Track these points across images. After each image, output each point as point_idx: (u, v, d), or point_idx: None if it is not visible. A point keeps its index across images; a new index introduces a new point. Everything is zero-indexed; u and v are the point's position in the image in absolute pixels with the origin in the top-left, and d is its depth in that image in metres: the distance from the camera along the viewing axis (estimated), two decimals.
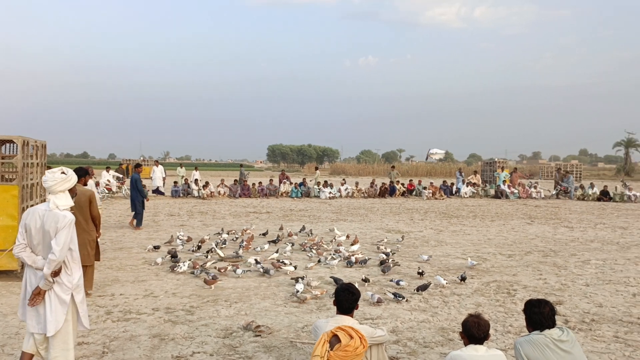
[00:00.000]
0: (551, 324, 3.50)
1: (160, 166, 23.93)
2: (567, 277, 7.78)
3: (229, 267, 7.90)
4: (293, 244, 10.10)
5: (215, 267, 8.03)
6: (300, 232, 11.88)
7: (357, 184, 25.74)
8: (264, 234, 11.54)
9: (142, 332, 5.17)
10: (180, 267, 7.83)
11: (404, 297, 6.36)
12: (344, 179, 29.24)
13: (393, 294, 6.41)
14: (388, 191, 24.32)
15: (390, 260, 8.52)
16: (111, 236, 11.37)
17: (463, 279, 7.27)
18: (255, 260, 8.17)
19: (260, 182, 24.31)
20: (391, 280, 7.15)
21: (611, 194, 23.75)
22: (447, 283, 7.08)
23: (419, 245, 10.70)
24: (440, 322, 5.61)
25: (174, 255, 8.57)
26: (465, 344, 3.56)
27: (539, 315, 3.51)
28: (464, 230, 13.10)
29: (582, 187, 25.95)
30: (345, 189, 24.34)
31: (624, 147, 64.68)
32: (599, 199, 23.52)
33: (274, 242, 10.44)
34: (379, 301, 6.17)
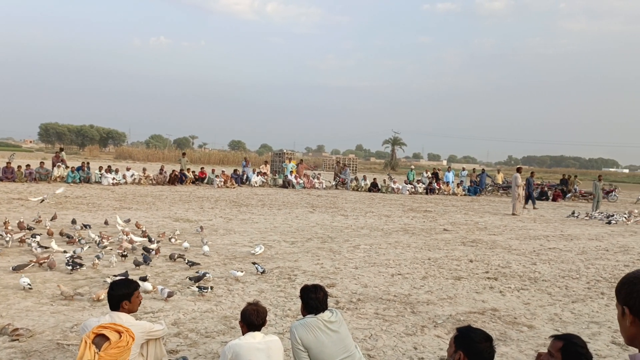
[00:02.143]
0: (324, 308, 3.76)
1: None
2: (340, 261, 8.55)
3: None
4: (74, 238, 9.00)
5: None
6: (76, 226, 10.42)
7: (144, 170, 24.38)
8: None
9: None
10: None
11: (207, 288, 6.20)
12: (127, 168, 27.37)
13: (197, 287, 6.21)
14: (178, 178, 23.60)
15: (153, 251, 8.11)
16: None
17: (263, 272, 7.30)
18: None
19: (28, 165, 21.23)
20: (197, 272, 6.88)
21: (379, 186, 27.01)
22: (242, 274, 7.04)
23: (208, 234, 10.58)
24: (223, 310, 5.61)
25: None
26: (244, 332, 3.62)
27: (315, 300, 3.74)
28: (253, 218, 13.44)
29: (356, 179, 28.94)
30: (132, 175, 22.84)
31: (391, 145, 74.43)
32: (369, 190, 26.53)
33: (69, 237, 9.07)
34: (169, 295, 5.88)
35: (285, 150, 35.19)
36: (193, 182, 24.27)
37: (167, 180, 23.28)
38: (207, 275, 6.77)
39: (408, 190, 26.47)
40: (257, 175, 26.35)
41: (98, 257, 7.45)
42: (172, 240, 9.19)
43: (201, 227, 10.84)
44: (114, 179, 21.62)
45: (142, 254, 7.88)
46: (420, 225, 13.81)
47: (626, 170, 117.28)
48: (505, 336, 5.24)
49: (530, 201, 21.81)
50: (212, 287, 6.29)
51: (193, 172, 25.30)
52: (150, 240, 9.00)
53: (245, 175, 26.34)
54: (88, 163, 23.37)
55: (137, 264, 7.32)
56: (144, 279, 6.37)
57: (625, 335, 1.60)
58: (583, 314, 6.23)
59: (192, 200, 17.10)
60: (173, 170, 24.20)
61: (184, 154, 28.84)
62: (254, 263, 7.59)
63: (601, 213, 19.02)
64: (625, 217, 17.40)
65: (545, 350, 2.68)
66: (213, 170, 26.12)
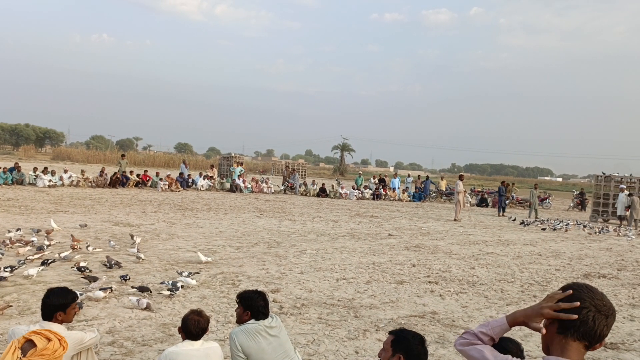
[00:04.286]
0: (266, 313, 3.72)
1: None
2: (286, 266, 8.51)
3: None
4: None
5: None
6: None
7: (82, 171, 23.42)
8: None
9: None
10: None
11: (178, 288, 6.22)
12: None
13: (169, 290, 6.19)
14: (120, 181, 22.82)
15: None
16: None
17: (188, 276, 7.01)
18: None
19: None
20: (162, 283, 6.61)
21: (328, 191, 27.17)
22: (197, 283, 6.84)
23: (150, 238, 10.29)
24: (162, 317, 5.45)
25: None
26: (183, 339, 3.53)
27: (258, 307, 3.69)
28: (197, 222, 13.17)
29: (305, 184, 29.00)
30: (69, 177, 21.89)
31: (340, 150, 75.25)
32: (318, 195, 26.63)
33: None
34: (147, 306, 5.64)
35: (233, 154, 34.68)
36: (136, 185, 23.54)
37: (108, 182, 22.46)
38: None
39: (355, 195, 26.76)
40: (204, 179, 25.90)
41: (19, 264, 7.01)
42: (90, 248, 8.53)
43: (131, 235, 10.16)
44: (50, 180, 20.65)
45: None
46: (366, 230, 13.98)
47: (560, 179, 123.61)
48: (444, 339, 5.37)
49: (501, 210, 22.71)
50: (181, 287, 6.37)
51: (137, 174, 24.55)
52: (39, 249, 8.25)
53: (191, 179, 25.82)
54: (16, 164, 22.08)
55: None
56: (106, 289, 6.08)
57: (546, 335, 1.63)
58: None
59: (134, 204, 16.57)
60: (115, 173, 23.38)
61: (123, 155, 27.91)
62: (169, 290, 6.40)
63: (554, 221, 19.78)
64: (565, 225, 18.17)
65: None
66: (157, 174, 25.41)
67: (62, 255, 7.75)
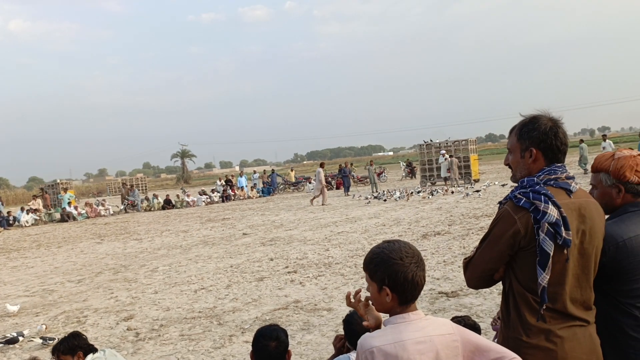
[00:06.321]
0: (95, 348, 3.40)
1: None
2: (137, 289, 7.93)
3: None
4: None
5: None
6: None
7: None
8: None
9: None
10: None
11: (53, 339, 5.46)
12: None
13: (41, 338, 5.62)
14: None
15: None
16: None
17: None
18: None
19: None
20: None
21: (173, 202, 26.05)
22: (45, 327, 6.11)
23: None
24: None
25: None
26: None
27: (85, 345, 3.37)
28: (27, 263, 11.67)
29: (147, 198, 27.44)
30: None
31: (180, 158, 72.76)
32: (163, 208, 25.40)
33: None
34: None
35: (59, 180, 31.33)
36: None
37: None
38: (22, 336, 5.78)
39: (204, 201, 26.09)
40: (27, 214, 23.02)
41: None
42: None
43: None
44: None
45: None
46: (220, 234, 13.69)
47: (391, 153, 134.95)
48: (309, 324, 5.46)
49: (347, 189, 24.06)
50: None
51: None
52: None
53: (11, 216, 22.76)
54: None
55: None
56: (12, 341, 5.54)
57: (382, 309, 1.69)
58: None
59: None
60: None
61: None
62: (42, 338, 5.83)
63: (396, 191, 21.38)
64: (404, 195, 19.71)
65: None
66: None
67: None
